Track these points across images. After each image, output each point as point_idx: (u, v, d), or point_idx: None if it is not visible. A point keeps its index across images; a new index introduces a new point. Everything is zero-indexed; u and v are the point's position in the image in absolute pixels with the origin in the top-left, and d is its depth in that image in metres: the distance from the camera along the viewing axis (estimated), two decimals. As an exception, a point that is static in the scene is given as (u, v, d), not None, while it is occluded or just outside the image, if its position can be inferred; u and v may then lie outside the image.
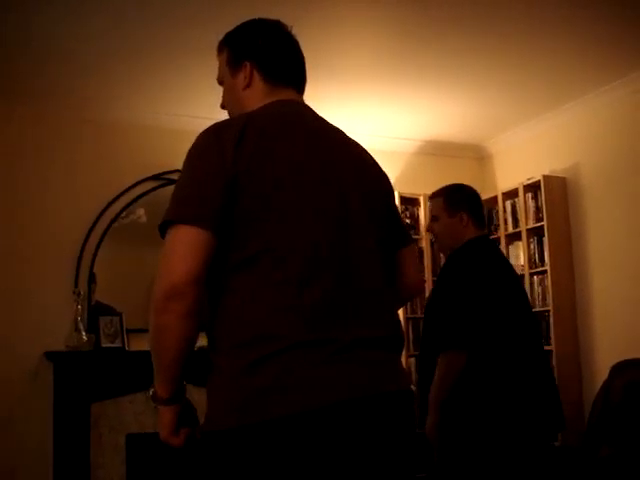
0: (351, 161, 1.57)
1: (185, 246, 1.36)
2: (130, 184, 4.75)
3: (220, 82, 1.70)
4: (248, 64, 1.62)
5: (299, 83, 1.66)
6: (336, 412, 1.32)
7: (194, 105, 4.68)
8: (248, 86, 1.62)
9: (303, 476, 1.30)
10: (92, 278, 4.62)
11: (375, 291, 1.51)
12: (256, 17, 1.69)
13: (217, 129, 1.46)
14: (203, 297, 1.39)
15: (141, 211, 4.77)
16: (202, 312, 1.40)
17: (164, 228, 1.40)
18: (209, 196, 1.38)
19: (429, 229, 2.99)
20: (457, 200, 2.84)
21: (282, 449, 1.29)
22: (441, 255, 4.94)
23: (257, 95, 1.61)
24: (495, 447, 2.55)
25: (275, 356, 1.33)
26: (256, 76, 1.62)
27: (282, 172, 1.42)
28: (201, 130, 1.49)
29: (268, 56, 1.62)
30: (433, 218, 2.91)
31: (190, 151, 1.46)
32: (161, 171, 4.75)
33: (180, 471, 4.15)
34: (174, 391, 1.44)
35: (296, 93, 1.64)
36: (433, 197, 2.95)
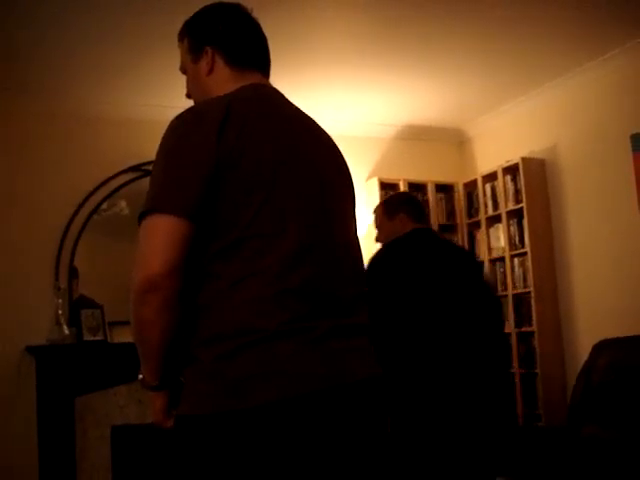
0: (323, 146, 1.57)
1: (164, 236, 1.31)
2: (107, 177, 4.71)
3: (183, 71, 1.67)
4: (209, 50, 1.59)
5: (264, 66, 1.64)
6: (310, 401, 1.31)
7: (170, 95, 4.61)
8: (211, 71, 1.59)
9: (276, 464, 1.30)
10: (73, 272, 4.59)
11: (357, 278, 1.51)
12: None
13: (198, 112, 1.42)
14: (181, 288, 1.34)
15: (123, 203, 4.74)
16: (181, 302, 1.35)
17: (143, 217, 1.35)
18: (191, 182, 1.33)
19: (377, 240, 3.13)
20: (394, 205, 3.07)
21: (260, 437, 1.29)
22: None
23: (222, 80, 1.58)
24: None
25: (254, 345, 1.31)
26: (219, 61, 1.59)
27: (266, 156, 1.39)
28: None
29: (230, 40, 1.59)
30: (378, 228, 3.11)
31: (167, 135, 1.40)
32: (139, 162, 4.71)
33: (164, 462, 4.14)
34: (162, 378, 1.43)
35: (263, 77, 1.62)
36: (374, 211, 3.18)
